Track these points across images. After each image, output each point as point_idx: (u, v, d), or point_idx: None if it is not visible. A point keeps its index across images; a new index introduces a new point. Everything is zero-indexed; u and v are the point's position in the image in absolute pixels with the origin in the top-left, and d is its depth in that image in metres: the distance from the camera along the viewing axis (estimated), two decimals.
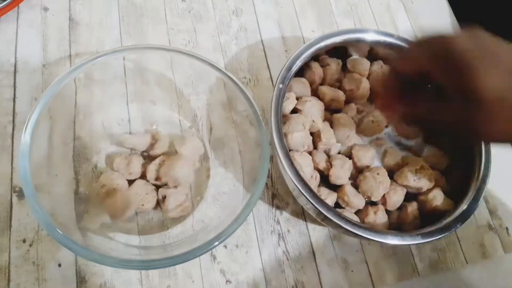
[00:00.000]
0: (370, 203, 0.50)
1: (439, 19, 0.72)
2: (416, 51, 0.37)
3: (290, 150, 0.47)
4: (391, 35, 0.53)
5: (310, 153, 0.50)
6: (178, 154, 0.49)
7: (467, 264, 0.54)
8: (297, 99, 0.51)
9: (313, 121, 0.49)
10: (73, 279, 0.45)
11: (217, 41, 0.61)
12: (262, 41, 0.62)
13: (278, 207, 0.52)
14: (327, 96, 0.52)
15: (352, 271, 0.51)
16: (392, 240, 0.43)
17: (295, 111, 0.51)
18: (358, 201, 0.48)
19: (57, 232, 0.37)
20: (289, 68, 0.48)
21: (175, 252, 0.39)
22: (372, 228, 0.44)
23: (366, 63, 0.55)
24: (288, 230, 0.51)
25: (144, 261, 0.39)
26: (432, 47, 0.35)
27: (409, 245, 0.44)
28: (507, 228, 0.57)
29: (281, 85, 0.47)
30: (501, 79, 0.31)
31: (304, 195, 0.42)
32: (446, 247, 0.54)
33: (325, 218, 0.43)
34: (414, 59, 0.38)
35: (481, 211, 0.57)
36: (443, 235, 0.44)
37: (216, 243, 0.39)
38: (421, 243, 0.44)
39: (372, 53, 0.56)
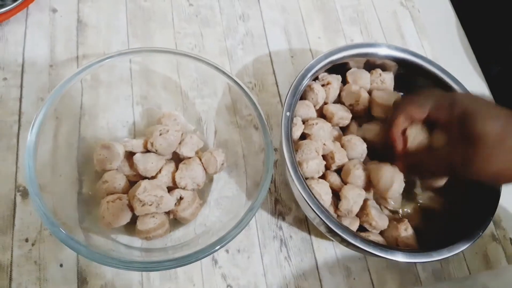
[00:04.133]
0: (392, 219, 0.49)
1: (446, 27, 0.72)
2: (424, 101, 0.43)
3: (306, 178, 0.46)
4: (403, 50, 0.54)
5: (323, 175, 0.49)
6: (193, 157, 0.49)
7: (470, 274, 0.53)
8: (303, 122, 0.50)
9: (324, 144, 0.48)
10: (74, 280, 0.45)
11: (224, 45, 0.61)
12: (268, 46, 0.62)
13: (280, 213, 0.52)
14: (336, 115, 0.51)
15: (354, 278, 0.50)
16: (431, 258, 0.44)
17: (303, 135, 0.50)
18: (383, 222, 0.47)
19: (60, 231, 0.37)
20: (294, 94, 0.48)
21: (177, 255, 0.39)
22: (407, 249, 0.44)
23: (366, 75, 0.54)
24: (291, 236, 0.51)
25: (146, 263, 0.39)
26: (438, 99, 0.42)
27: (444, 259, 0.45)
28: (510, 239, 0.56)
29: (288, 113, 0.46)
30: (496, 125, 0.38)
31: (327, 224, 0.42)
32: (449, 257, 0.53)
33: (350, 244, 0.42)
34: (422, 108, 0.43)
35: None
36: (467, 245, 0.45)
37: (218, 247, 0.39)
38: (449, 256, 0.44)
39: (369, 62, 0.55)
